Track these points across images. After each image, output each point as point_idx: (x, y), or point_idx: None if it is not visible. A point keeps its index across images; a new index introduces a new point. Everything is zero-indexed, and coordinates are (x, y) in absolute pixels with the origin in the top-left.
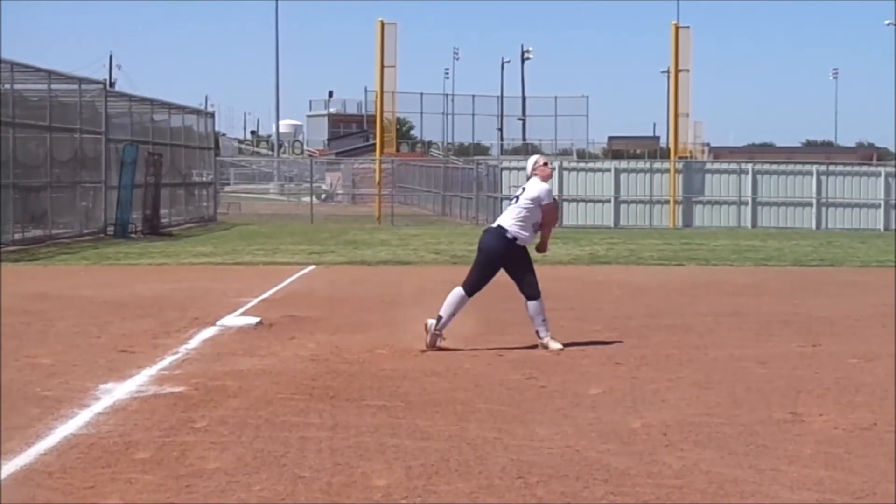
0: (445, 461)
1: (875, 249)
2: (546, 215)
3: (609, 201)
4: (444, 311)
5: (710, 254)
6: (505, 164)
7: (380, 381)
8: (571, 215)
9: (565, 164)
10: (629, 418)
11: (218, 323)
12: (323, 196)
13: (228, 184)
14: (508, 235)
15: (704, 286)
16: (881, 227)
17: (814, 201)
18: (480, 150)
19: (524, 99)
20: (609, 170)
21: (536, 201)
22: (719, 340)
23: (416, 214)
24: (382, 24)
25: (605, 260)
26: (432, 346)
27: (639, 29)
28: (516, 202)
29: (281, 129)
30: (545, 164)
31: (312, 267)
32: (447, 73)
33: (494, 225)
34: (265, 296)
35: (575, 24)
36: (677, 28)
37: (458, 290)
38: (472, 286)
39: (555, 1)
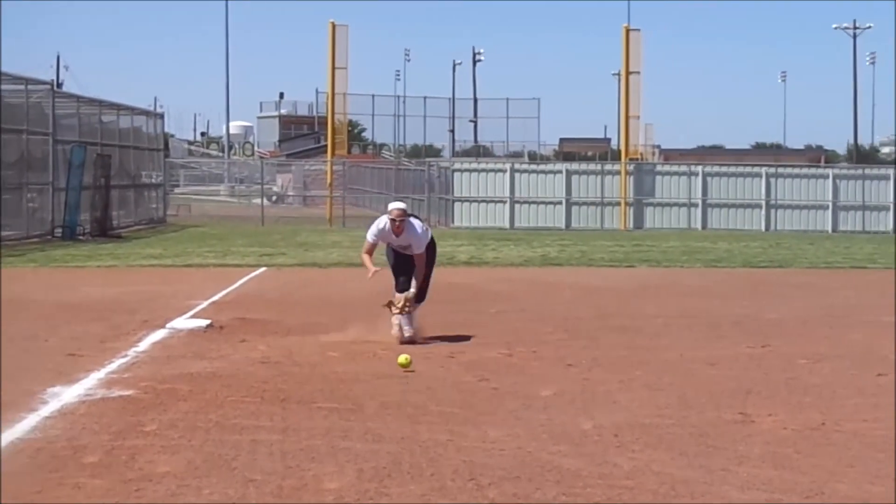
0: (397, 463)
1: (823, 251)
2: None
3: (560, 203)
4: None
5: (661, 255)
6: (457, 165)
7: (331, 384)
8: (523, 217)
9: (517, 166)
10: (581, 420)
11: (168, 325)
12: (274, 198)
13: (178, 185)
14: None
15: (655, 288)
16: (829, 228)
17: (763, 203)
18: (432, 151)
19: (476, 101)
20: (560, 172)
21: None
22: (670, 342)
23: (368, 216)
24: (334, 26)
25: (556, 262)
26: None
27: (590, 31)
28: None
29: (231, 131)
30: (391, 217)
31: (263, 269)
32: (398, 75)
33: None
34: (215, 298)
35: (526, 26)
36: (628, 31)
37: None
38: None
39: (507, 1)
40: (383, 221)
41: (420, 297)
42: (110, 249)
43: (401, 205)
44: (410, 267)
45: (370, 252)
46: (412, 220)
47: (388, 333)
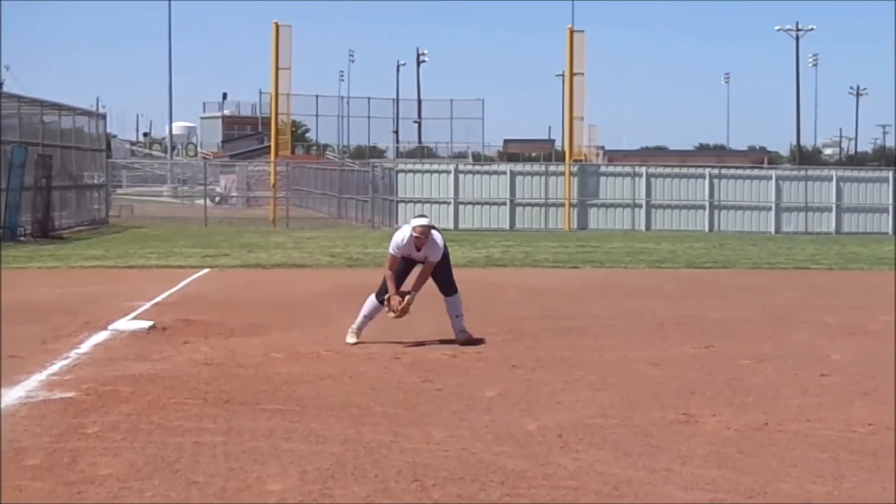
0: (341, 465)
1: (766, 252)
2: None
3: (505, 204)
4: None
5: (605, 256)
6: (401, 166)
7: (275, 385)
8: (467, 218)
9: (461, 167)
10: (525, 420)
11: (110, 327)
12: (217, 199)
13: (121, 186)
14: None
15: (599, 288)
16: (772, 229)
17: (706, 204)
18: (376, 152)
19: (420, 102)
20: (504, 172)
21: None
22: (614, 342)
23: (312, 217)
24: (277, 26)
25: (500, 262)
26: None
27: (534, 32)
28: None
29: (174, 131)
30: (415, 234)
31: (206, 270)
32: (342, 76)
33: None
34: (158, 299)
35: (470, 27)
36: (572, 32)
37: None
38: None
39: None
40: (403, 235)
41: (453, 289)
42: (51, 251)
43: (425, 221)
44: (408, 274)
45: (394, 268)
46: (433, 232)
47: (328, 334)
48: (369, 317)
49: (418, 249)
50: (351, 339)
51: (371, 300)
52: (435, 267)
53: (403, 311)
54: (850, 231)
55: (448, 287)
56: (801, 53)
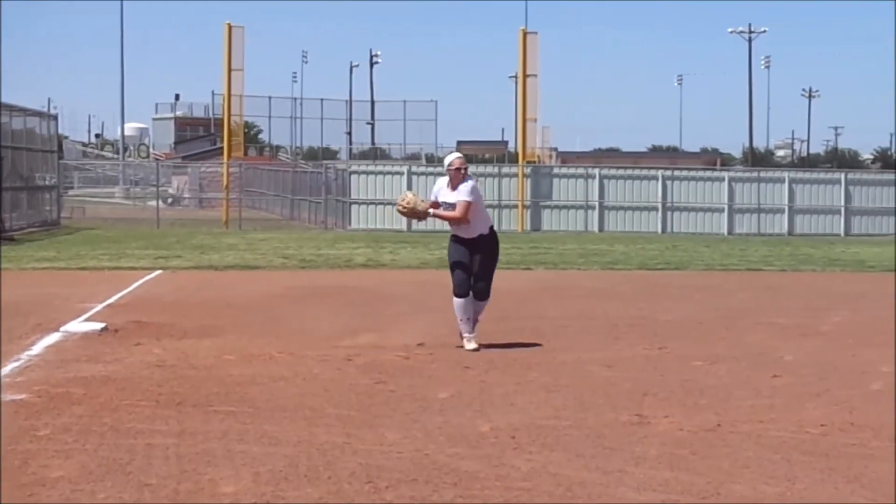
0: (294, 467)
1: (719, 253)
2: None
3: None
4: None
5: (558, 258)
6: (354, 168)
7: (227, 387)
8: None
9: (414, 168)
10: (478, 422)
11: (62, 329)
12: (169, 200)
13: (73, 187)
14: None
15: (552, 290)
16: (725, 231)
17: (659, 205)
18: (329, 154)
19: (373, 103)
20: None
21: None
22: (567, 344)
23: (265, 219)
24: (230, 27)
25: None
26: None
27: (487, 34)
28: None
29: (126, 133)
30: (457, 168)
31: (159, 272)
32: (295, 77)
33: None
34: (110, 301)
35: (424, 28)
36: (525, 34)
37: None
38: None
39: (404, 2)
40: (439, 182)
41: (485, 294)
42: (3, 252)
43: (459, 154)
44: (472, 265)
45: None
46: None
47: (281, 336)
48: (467, 316)
49: (454, 188)
50: (471, 345)
51: (456, 302)
52: (482, 260)
53: (412, 212)
54: (803, 233)
55: (483, 289)
56: (754, 55)
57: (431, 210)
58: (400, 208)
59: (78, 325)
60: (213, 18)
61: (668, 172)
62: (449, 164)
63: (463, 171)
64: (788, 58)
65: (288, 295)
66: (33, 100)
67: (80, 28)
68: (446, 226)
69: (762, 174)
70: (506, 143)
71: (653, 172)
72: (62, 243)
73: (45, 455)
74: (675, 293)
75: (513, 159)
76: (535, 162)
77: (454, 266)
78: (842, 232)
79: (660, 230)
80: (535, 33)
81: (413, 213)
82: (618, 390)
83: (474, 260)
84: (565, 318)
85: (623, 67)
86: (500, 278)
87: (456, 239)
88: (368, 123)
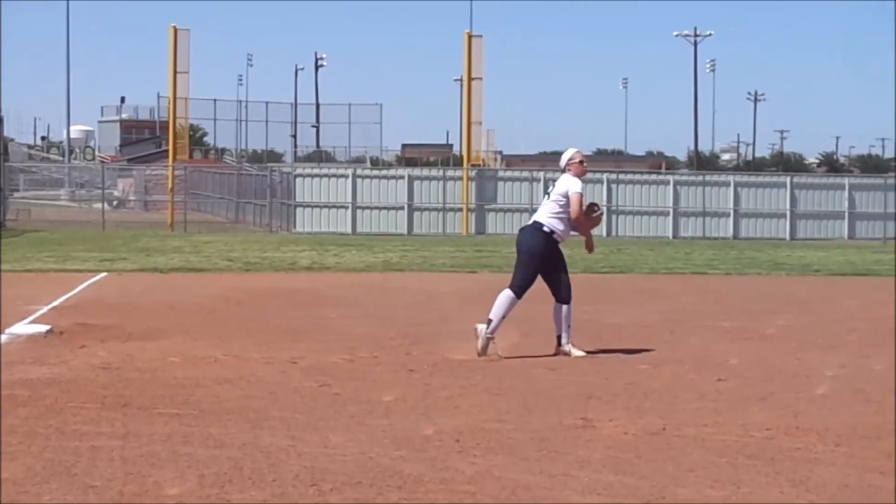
0: (239, 469)
1: (664, 257)
2: (576, 211)
3: (402, 208)
4: (493, 313)
5: (503, 261)
6: (299, 171)
7: (172, 390)
8: (365, 223)
9: (359, 171)
10: (422, 425)
11: (6, 331)
12: (115, 203)
13: (18, 190)
14: (545, 229)
15: (496, 293)
16: (670, 234)
17: (604, 209)
18: (274, 157)
19: (318, 106)
20: (403, 177)
21: (566, 195)
22: (510, 346)
23: (210, 221)
24: (175, 30)
25: (398, 267)
26: (484, 351)
27: (432, 37)
28: (548, 198)
29: (72, 135)
30: (580, 161)
31: (104, 274)
32: (241, 80)
33: (530, 222)
34: (55, 303)
35: (368, 31)
36: (470, 37)
37: (507, 292)
38: (520, 287)
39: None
40: (574, 179)
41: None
42: None
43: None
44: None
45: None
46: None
47: (226, 339)
48: (503, 316)
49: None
50: (493, 349)
51: (507, 294)
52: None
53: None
54: (748, 236)
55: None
56: (700, 59)
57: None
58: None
59: (23, 328)
60: (158, 21)
61: (613, 175)
62: (578, 161)
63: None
64: (734, 61)
65: (233, 297)
66: None
67: (26, 29)
68: (392, 229)
69: (707, 178)
70: (451, 146)
71: (598, 175)
72: (7, 245)
73: None
74: (619, 297)
75: (458, 162)
76: (479, 165)
77: (538, 269)
78: (787, 236)
79: (605, 233)
80: (480, 36)
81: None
82: (562, 393)
83: (555, 264)
84: (509, 321)
85: (568, 70)
86: (445, 281)
87: (555, 244)
88: (313, 126)
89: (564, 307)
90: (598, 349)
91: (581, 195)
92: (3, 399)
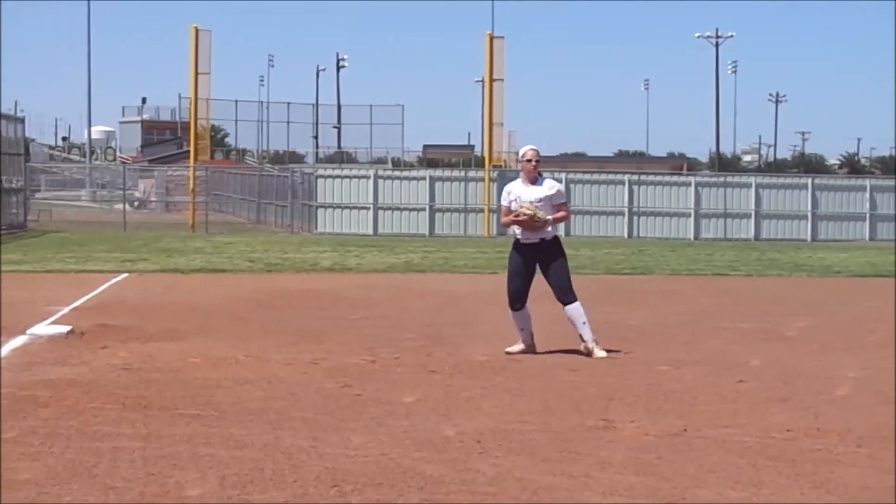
0: (260, 470)
1: (685, 258)
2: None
3: (424, 210)
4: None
5: None
6: (320, 172)
7: (193, 390)
8: (386, 224)
9: (380, 172)
10: (443, 426)
11: (28, 332)
12: (136, 203)
13: (39, 190)
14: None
15: None
16: (691, 235)
17: (626, 210)
18: (295, 157)
19: (339, 107)
20: (424, 178)
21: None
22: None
23: (231, 222)
24: (197, 31)
25: (419, 268)
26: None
27: (454, 38)
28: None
29: (93, 136)
30: (528, 160)
31: (125, 275)
32: (262, 81)
33: None
34: (77, 304)
35: (390, 32)
36: (492, 38)
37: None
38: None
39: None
40: (510, 185)
41: (571, 296)
42: None
43: (533, 146)
44: (532, 275)
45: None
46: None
47: (247, 339)
48: (521, 327)
49: (532, 182)
50: (516, 347)
51: (511, 314)
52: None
53: (531, 220)
54: (769, 238)
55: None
56: (721, 60)
57: (550, 216)
58: (525, 215)
59: (44, 328)
60: (179, 22)
61: (635, 177)
62: (523, 156)
63: (536, 162)
64: (755, 63)
65: (254, 298)
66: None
67: (47, 30)
68: (413, 230)
69: (729, 179)
70: (472, 147)
71: (619, 177)
72: (29, 246)
73: (11, 458)
74: (640, 298)
75: (479, 163)
76: (501, 166)
77: (513, 275)
78: (808, 237)
79: (626, 235)
80: (502, 37)
81: (531, 223)
82: (583, 395)
83: (544, 266)
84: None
85: (590, 72)
86: (466, 282)
87: (519, 246)
88: (335, 127)
89: (569, 308)
90: (616, 350)
91: (505, 206)
92: (24, 400)
